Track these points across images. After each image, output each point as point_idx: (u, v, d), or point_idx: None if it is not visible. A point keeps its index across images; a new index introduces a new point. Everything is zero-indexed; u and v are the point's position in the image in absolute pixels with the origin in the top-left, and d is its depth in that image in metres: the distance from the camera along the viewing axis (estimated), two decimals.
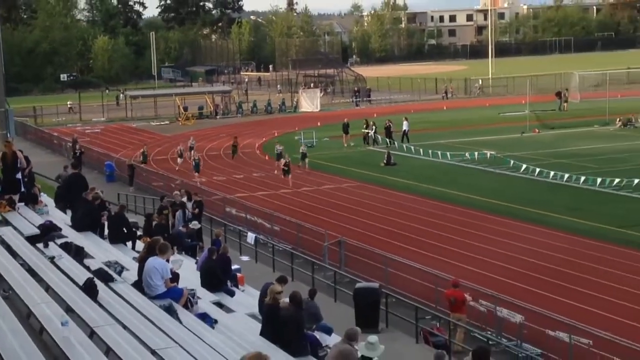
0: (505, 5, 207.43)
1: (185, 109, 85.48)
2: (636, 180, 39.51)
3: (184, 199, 30.95)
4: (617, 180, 40.24)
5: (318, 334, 16.00)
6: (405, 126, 60.79)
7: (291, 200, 41.71)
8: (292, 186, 44.52)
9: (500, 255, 29.61)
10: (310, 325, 16.15)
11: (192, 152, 54.60)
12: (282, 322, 14.21)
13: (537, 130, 62.89)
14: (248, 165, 54.47)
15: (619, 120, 63.96)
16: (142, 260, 15.82)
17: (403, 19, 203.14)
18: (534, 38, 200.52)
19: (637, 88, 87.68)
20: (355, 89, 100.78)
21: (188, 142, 57.15)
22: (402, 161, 51.36)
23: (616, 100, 74.04)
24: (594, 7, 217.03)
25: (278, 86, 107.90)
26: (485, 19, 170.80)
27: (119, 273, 16.62)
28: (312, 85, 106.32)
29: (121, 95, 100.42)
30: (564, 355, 19.73)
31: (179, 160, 53.34)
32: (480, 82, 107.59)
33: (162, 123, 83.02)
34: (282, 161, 46.78)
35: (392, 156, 50.94)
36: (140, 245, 20.95)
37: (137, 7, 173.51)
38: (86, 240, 19.38)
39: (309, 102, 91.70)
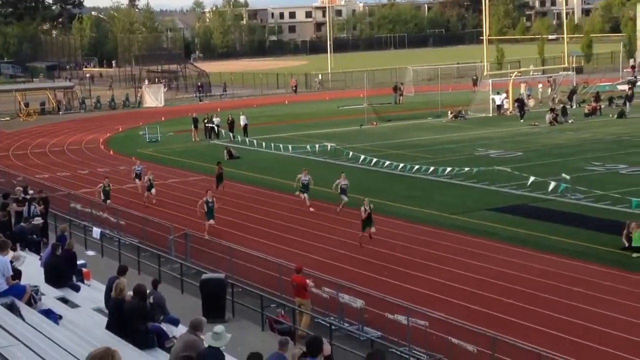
0: (342, 2, 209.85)
1: (27, 104, 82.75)
2: (466, 169, 40.85)
3: (28, 196, 30.03)
4: (449, 169, 41.42)
5: (165, 326, 15.78)
6: (243, 120, 60.72)
7: (137, 194, 40.94)
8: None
9: (340, 243, 29.95)
10: (156, 317, 15.93)
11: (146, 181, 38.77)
12: (127, 315, 13.97)
13: (374, 123, 63.95)
14: (93, 160, 53.22)
15: (451, 113, 65.82)
16: None
17: (244, 15, 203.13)
18: (370, 34, 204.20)
19: (466, 82, 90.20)
20: (199, 84, 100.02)
21: (134, 168, 41.61)
22: (245, 154, 51.32)
23: (447, 93, 76.38)
24: (426, 5, 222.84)
25: (146, 81, 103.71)
26: (324, 15, 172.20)
27: None
28: (155, 80, 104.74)
29: None
30: (402, 337, 20.13)
31: (152, 191, 38.09)
32: (320, 77, 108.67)
33: (2, 119, 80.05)
34: (363, 209, 29.13)
35: (232, 150, 50.89)
36: None
37: None
38: None
39: (153, 97, 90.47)
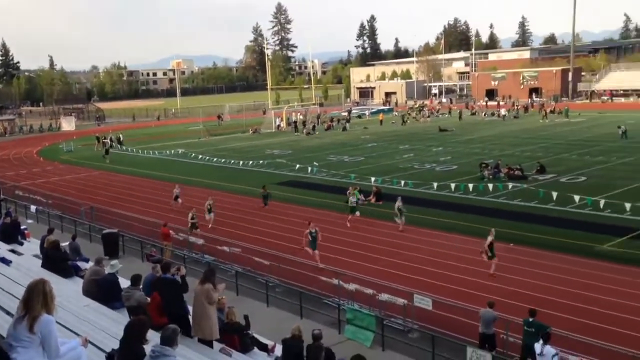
0: (185, 67, 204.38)
1: None
2: (261, 161, 41.01)
3: None
4: (251, 161, 41.41)
5: (80, 263, 14.81)
6: (121, 137, 59.32)
7: (60, 183, 38.02)
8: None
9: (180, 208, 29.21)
10: (74, 258, 14.94)
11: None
12: (55, 258, 12.98)
13: (207, 137, 62.78)
14: (28, 164, 48.85)
15: (251, 130, 65.80)
16: None
17: (124, 74, 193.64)
18: (203, 85, 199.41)
19: (259, 112, 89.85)
20: (97, 116, 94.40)
21: (174, 190, 29.35)
22: (124, 158, 49.00)
23: (249, 119, 75.94)
24: (235, 68, 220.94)
25: (62, 115, 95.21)
26: (174, 74, 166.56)
27: None
28: (70, 114, 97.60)
29: None
30: (227, 259, 19.94)
31: (211, 215, 24.91)
32: (173, 110, 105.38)
33: None
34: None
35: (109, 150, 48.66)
36: None
37: None
38: None
39: (68, 124, 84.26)
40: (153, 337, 6.95)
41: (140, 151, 50.80)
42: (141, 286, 10.47)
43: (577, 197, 24.68)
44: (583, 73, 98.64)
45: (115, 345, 7.13)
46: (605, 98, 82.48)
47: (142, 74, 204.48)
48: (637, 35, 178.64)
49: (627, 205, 23.14)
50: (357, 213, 24.37)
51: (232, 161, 42.23)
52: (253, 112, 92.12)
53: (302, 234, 20.07)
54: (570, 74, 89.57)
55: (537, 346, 10.82)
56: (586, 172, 32.45)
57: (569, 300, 15.62)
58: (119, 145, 56.18)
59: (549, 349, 10.56)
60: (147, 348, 6.49)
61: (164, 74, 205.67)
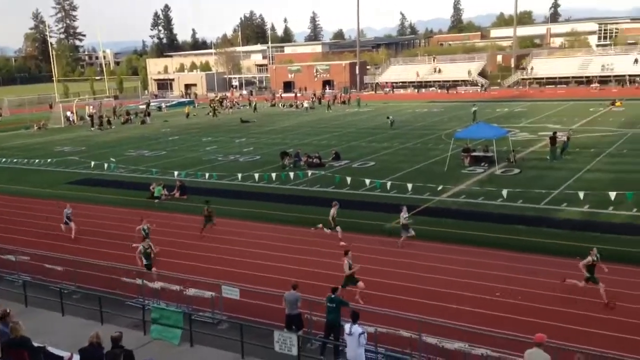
0: None
1: None
2: (49, 160, 37.37)
3: None
4: (37, 160, 37.56)
5: None
6: None
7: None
8: None
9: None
10: None
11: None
12: None
13: None
14: None
15: (36, 125, 59.70)
16: None
17: None
18: None
19: (44, 106, 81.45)
20: None
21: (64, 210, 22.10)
22: None
23: (35, 113, 68.73)
24: (13, 58, 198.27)
25: None
26: None
27: None
28: None
29: None
30: (56, 277, 17.86)
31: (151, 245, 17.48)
32: None
33: None
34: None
35: None
36: None
37: None
38: None
39: None
40: None
41: None
42: None
43: (367, 181, 26.68)
44: (368, 66, 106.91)
45: None
46: (387, 90, 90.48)
47: None
48: (412, 33, 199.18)
49: (409, 186, 25.66)
50: (322, 226, 20.72)
51: (15, 160, 37.93)
52: (38, 106, 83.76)
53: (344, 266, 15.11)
54: (357, 67, 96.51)
55: (347, 326, 11.36)
56: (374, 157, 35.25)
57: (364, 275, 16.83)
58: None
59: (357, 328, 11.17)
60: None
61: None
